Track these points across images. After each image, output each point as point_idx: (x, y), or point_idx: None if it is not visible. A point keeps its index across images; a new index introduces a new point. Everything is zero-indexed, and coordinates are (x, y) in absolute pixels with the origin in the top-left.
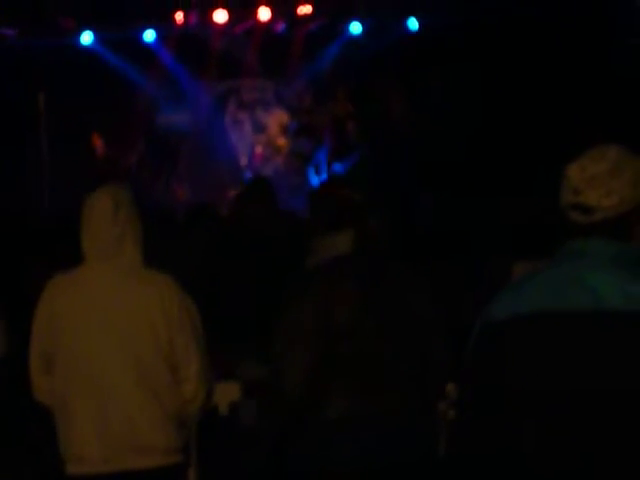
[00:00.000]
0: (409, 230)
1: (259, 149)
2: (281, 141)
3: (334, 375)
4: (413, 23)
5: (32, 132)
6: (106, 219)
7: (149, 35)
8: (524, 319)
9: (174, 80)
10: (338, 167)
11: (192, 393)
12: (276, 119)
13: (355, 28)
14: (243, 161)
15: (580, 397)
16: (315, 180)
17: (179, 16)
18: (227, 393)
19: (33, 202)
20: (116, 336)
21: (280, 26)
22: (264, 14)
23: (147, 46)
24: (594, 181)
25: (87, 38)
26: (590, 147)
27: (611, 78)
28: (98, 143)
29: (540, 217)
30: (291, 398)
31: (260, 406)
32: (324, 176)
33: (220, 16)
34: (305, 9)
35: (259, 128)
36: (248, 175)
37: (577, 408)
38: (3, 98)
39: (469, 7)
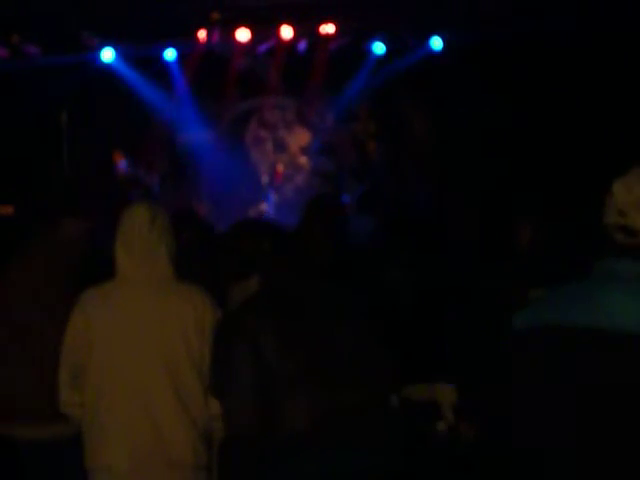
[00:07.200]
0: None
1: (280, 168)
2: (302, 160)
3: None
4: (436, 42)
5: (54, 150)
6: (143, 229)
7: (170, 54)
8: (536, 331)
9: (195, 97)
10: (345, 198)
11: (219, 408)
12: (298, 138)
13: (379, 48)
14: (264, 180)
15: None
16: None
17: (202, 34)
18: None
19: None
20: (151, 348)
21: (302, 45)
22: (286, 33)
23: (168, 64)
24: None
25: (108, 55)
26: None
27: None
28: (119, 162)
29: (560, 243)
30: (247, 431)
31: None
32: (344, 196)
33: (242, 35)
34: (328, 28)
35: (280, 147)
36: (270, 194)
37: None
38: (26, 116)
39: (492, 25)
